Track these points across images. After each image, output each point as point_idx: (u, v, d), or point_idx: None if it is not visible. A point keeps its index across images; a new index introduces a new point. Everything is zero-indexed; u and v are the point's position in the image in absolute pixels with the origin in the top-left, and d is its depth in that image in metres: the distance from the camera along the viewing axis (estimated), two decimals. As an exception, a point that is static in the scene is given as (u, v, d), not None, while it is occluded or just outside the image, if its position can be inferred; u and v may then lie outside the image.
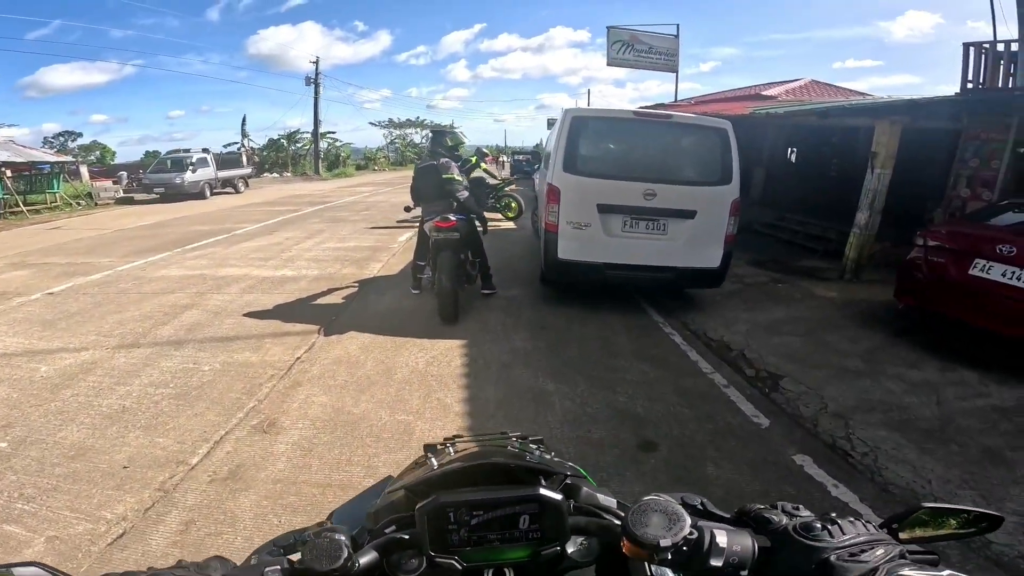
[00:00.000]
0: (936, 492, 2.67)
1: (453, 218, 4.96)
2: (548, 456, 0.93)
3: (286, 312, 5.34)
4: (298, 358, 4.18)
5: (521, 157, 25.37)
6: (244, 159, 24.72)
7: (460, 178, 5.23)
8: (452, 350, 4.38)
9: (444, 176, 5.08)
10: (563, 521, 0.69)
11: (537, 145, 20.00)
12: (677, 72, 17.84)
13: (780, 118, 9.60)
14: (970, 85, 7.10)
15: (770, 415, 3.48)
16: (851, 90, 16.47)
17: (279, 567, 0.60)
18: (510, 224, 11.18)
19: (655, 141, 5.37)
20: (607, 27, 17.75)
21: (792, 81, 16.63)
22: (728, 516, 0.67)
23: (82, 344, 4.47)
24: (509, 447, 0.96)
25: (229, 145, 34.87)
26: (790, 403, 3.66)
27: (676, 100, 17.47)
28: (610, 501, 0.78)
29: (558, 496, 0.69)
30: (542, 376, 3.89)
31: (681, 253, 5.10)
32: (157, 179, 18.42)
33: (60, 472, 2.68)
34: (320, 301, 5.78)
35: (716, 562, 0.58)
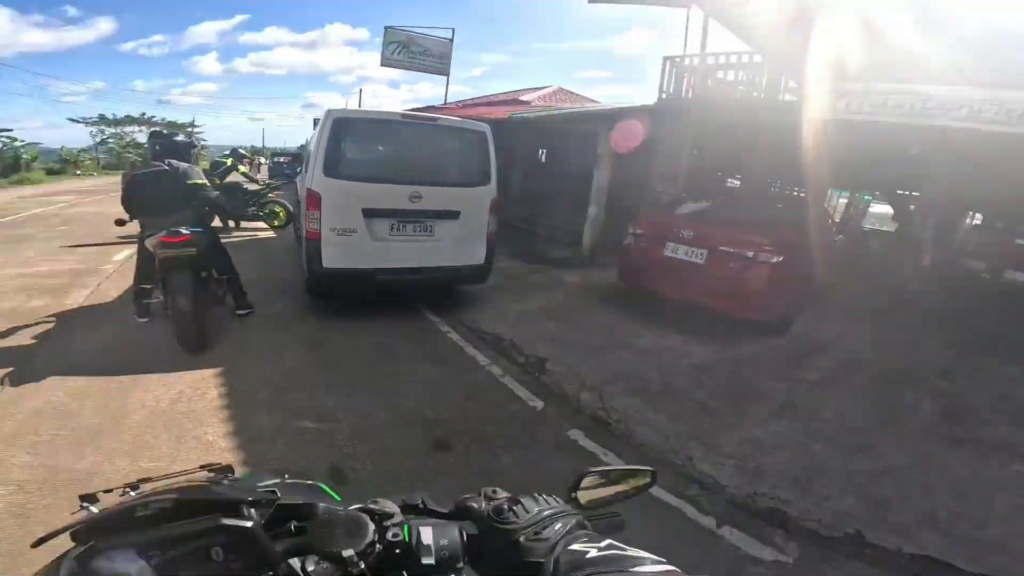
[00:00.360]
0: (674, 446, 3.30)
1: (186, 231, 4.24)
2: (273, 480, 0.85)
3: (-60, 365, 3.86)
4: (-27, 420, 3.08)
5: (282, 159, 23.25)
6: None
7: (206, 181, 4.63)
8: (205, 381, 3.75)
9: (190, 183, 4.43)
10: (264, 546, 0.64)
11: (301, 146, 18.64)
12: (448, 75, 18.22)
13: (532, 122, 10.53)
14: (664, 95, 8.20)
15: (543, 396, 3.90)
16: (588, 98, 18.77)
17: None
18: (268, 233, 10.14)
19: (420, 143, 5.42)
20: (385, 27, 17.65)
21: (544, 88, 18.56)
22: (447, 511, 0.70)
23: None
24: (200, 483, 0.86)
25: None
26: (556, 383, 4.13)
27: (446, 103, 18.00)
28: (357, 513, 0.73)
29: (246, 523, 0.64)
30: (320, 394, 3.63)
31: (449, 253, 5.30)
32: None
33: None
34: (-3, 345, 4.35)
35: (428, 559, 0.61)
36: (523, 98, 16.74)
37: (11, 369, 3.79)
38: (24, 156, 29.57)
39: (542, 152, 14.26)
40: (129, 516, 0.64)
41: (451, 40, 18.17)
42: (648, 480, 0.83)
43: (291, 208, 10.34)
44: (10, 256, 7.72)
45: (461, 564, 0.60)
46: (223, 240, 5.20)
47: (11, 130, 30.51)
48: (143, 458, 2.76)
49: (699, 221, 5.47)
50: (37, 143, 32.34)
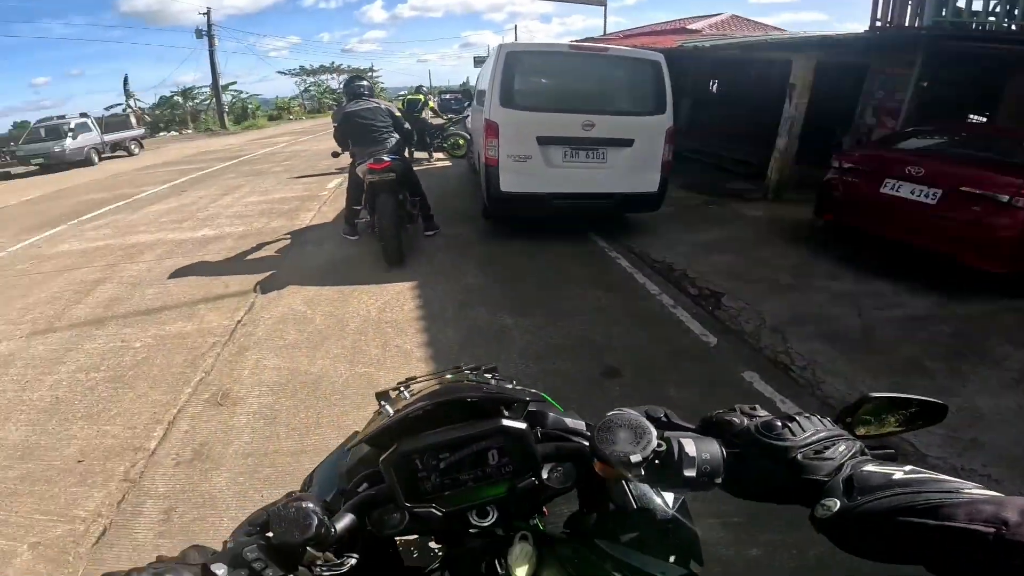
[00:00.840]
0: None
1: (387, 158, 4.76)
2: (509, 385, 0.90)
3: (215, 274, 4.96)
4: (239, 321, 3.93)
5: (449, 96, 24.56)
6: (133, 120, 22.22)
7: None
8: (403, 293, 4.27)
9: (396, 115, 5.15)
10: (531, 450, 0.68)
11: (464, 84, 19.20)
12: (605, 5, 17.38)
13: (707, 51, 9.75)
14: (879, 24, 7.30)
15: (716, 333, 3.66)
16: (768, 25, 16.95)
17: (255, 546, 0.56)
18: (445, 163, 10.86)
19: (591, 74, 5.39)
20: None
21: (715, 15, 16.88)
22: (693, 427, 0.66)
23: (-10, 336, 4.00)
24: (464, 381, 0.93)
25: (112, 107, 30.99)
26: (733, 320, 3.85)
27: (605, 34, 17.07)
28: (578, 423, 0.77)
29: (522, 425, 0.68)
30: (499, 312, 3.88)
31: (621, 179, 5.25)
32: (33, 149, 16.21)
33: (13, 475, 2.43)
34: (251, 257, 5.43)
35: (690, 472, 0.57)
36: (691, 27, 15.34)
37: (262, 277, 4.73)
38: (250, 106, 35.71)
39: (713, 82, 13.66)
40: (426, 417, 0.70)
41: None
42: (937, 415, 0.71)
43: (470, 138, 11.07)
44: (254, 187, 9.52)
45: (720, 479, 0.58)
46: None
47: (237, 84, 36.51)
48: (358, 364, 3.27)
49: (932, 158, 4.57)
50: (257, 94, 38.64)
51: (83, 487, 2.35)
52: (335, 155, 5.41)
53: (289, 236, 6.07)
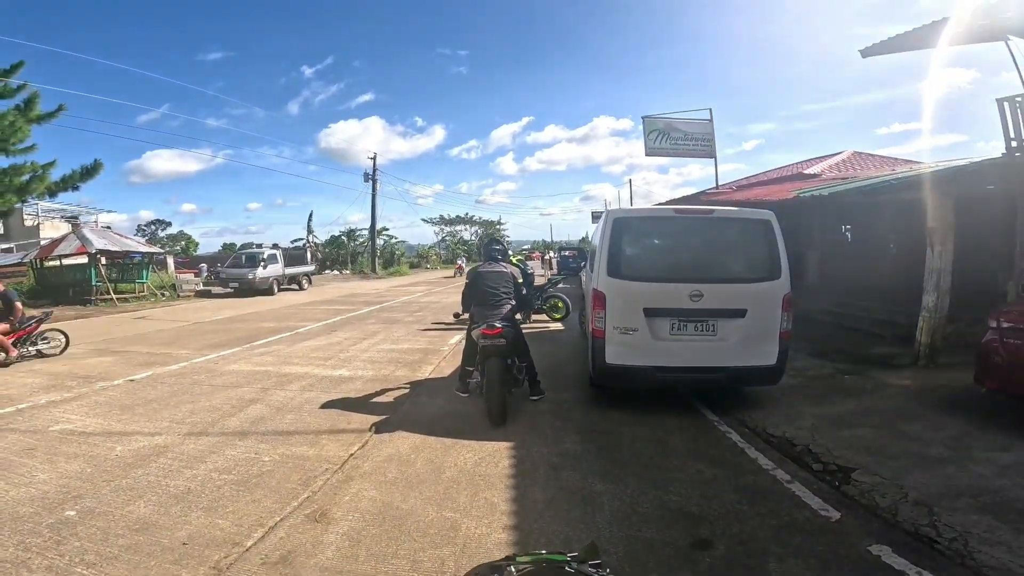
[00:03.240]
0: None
1: (499, 325, 5.19)
2: None
3: (342, 410, 5.54)
4: (352, 454, 4.31)
5: (568, 253, 25.89)
6: (308, 256, 26.70)
7: (521, 280, 5.73)
8: (500, 451, 4.40)
9: (519, 282, 5.62)
10: None
11: (583, 240, 20.43)
12: (715, 157, 17.68)
13: (826, 199, 9.12)
14: (1014, 143, 6.60)
15: (841, 508, 3.32)
16: (896, 159, 15.87)
17: None
18: (557, 325, 11.27)
19: (698, 238, 5.35)
20: (642, 117, 17.94)
21: (834, 155, 16.21)
22: None
23: (156, 429, 4.81)
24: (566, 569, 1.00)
25: (296, 241, 37.73)
26: (864, 495, 3.49)
27: (717, 185, 17.12)
28: None
29: None
30: (591, 477, 3.83)
31: (733, 353, 4.95)
32: (232, 274, 20.57)
33: (123, 543, 2.85)
34: (375, 400, 5.98)
35: None
36: (808, 170, 14.79)
37: (379, 419, 5.16)
38: (396, 252, 41.49)
39: (845, 228, 12.32)
40: None
41: (710, 120, 17.41)
42: None
43: (569, 301, 11.41)
44: (388, 334, 10.67)
45: None
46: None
47: (390, 229, 42.78)
48: (446, 509, 3.38)
49: None
50: (403, 241, 45.05)
51: (176, 566, 2.66)
52: (456, 316, 6.02)
53: (408, 386, 6.63)
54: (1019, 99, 6.70)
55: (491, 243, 6.32)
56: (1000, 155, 6.67)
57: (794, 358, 5.33)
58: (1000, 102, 6.81)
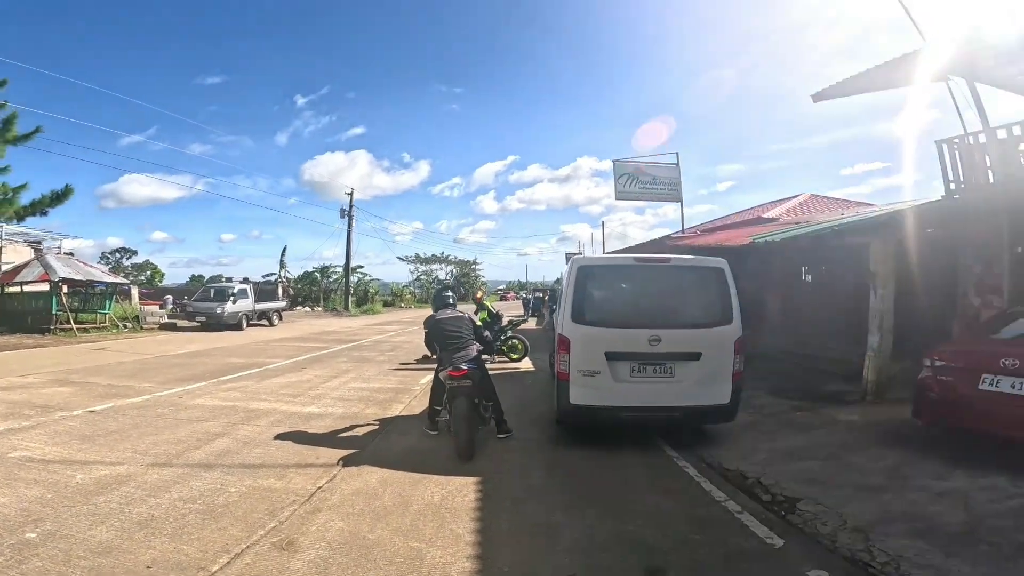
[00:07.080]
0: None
1: (465, 367, 5.41)
2: None
3: (311, 445, 5.54)
4: (320, 487, 4.33)
5: (527, 295, 26.26)
6: (280, 291, 26.34)
7: (479, 323, 6.04)
8: (467, 486, 4.48)
9: (477, 325, 5.89)
10: None
11: (557, 281, 20.67)
12: (681, 201, 17.39)
13: (779, 245, 9.18)
14: (952, 186, 6.63)
15: (785, 535, 3.53)
16: (850, 201, 16.22)
17: None
18: (528, 366, 11.40)
19: (656, 285, 5.67)
20: (613, 161, 17.74)
21: (791, 199, 16.57)
22: None
23: (118, 459, 4.77)
24: None
25: (268, 275, 36.98)
26: (807, 523, 3.70)
27: (683, 229, 17.13)
28: None
29: None
30: (554, 510, 3.96)
31: (690, 393, 5.22)
32: (200, 308, 19.93)
33: (86, 565, 2.87)
34: (344, 436, 6.00)
35: None
36: (767, 214, 15.18)
37: (348, 454, 5.19)
38: (370, 290, 40.82)
39: (805, 271, 12.57)
40: None
41: (677, 164, 17.43)
42: None
43: (528, 342, 11.75)
44: (359, 373, 10.63)
45: None
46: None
47: (364, 267, 42.38)
48: (412, 539, 3.45)
49: None
50: (377, 279, 44.43)
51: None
52: (425, 358, 6.21)
53: (378, 423, 6.65)
54: (957, 140, 6.84)
55: (443, 290, 6.60)
56: (940, 197, 6.86)
57: (752, 396, 5.61)
58: (939, 144, 6.91)
